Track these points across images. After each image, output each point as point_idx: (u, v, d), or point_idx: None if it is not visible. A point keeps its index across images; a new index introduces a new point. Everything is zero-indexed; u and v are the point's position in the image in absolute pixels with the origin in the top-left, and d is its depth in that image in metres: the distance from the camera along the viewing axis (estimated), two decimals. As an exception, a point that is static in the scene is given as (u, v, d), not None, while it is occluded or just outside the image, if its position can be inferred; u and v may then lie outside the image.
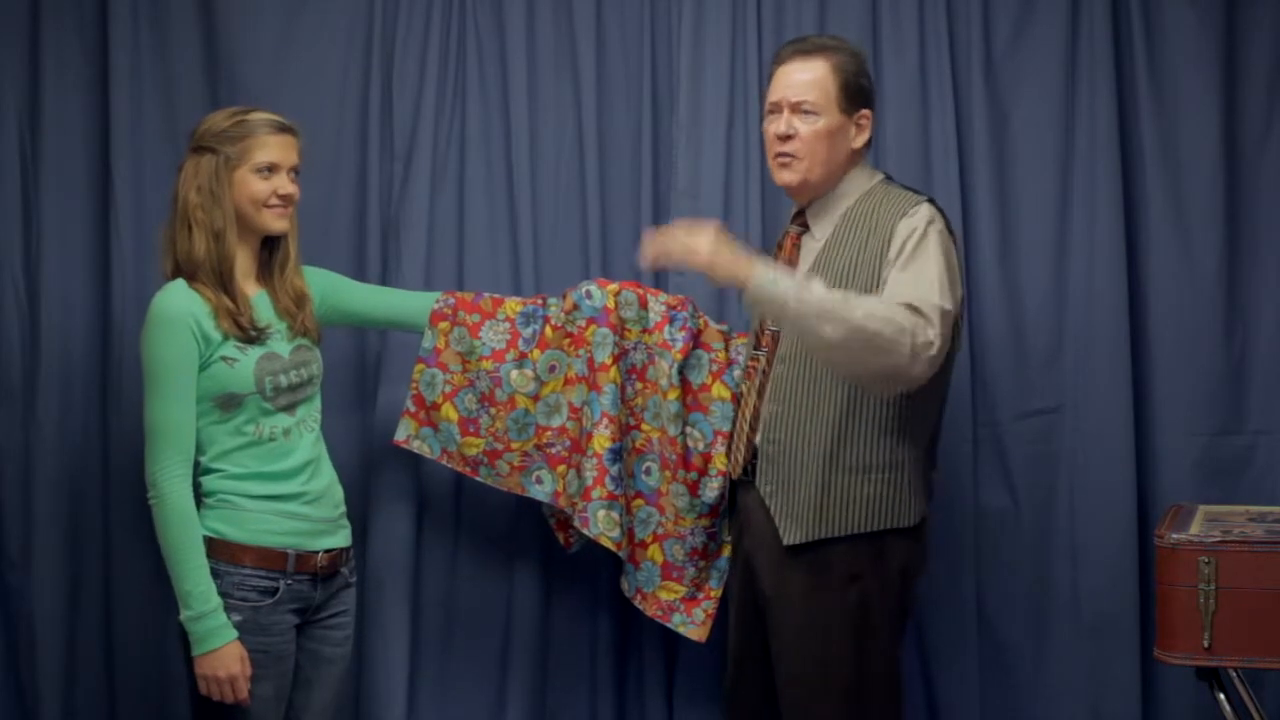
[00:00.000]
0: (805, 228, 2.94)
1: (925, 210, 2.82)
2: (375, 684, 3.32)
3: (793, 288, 2.64)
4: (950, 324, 2.74)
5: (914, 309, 2.67)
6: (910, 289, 2.71)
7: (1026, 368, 3.41)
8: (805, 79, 2.87)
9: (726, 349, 3.20)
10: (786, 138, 2.88)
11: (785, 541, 2.80)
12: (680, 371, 3.14)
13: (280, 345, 2.85)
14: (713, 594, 3.17)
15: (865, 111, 2.90)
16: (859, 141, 2.90)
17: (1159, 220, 3.38)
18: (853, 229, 2.85)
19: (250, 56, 3.38)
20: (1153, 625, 3.01)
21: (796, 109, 2.87)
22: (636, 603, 3.18)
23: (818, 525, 2.79)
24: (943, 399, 2.91)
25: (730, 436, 3.05)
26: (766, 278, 2.65)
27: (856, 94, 2.89)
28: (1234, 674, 2.89)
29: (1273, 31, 3.37)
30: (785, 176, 2.91)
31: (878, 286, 2.76)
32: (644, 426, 3.17)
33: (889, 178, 2.96)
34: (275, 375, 2.81)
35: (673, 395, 3.13)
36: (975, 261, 3.40)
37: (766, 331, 2.93)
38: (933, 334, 2.66)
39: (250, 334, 2.79)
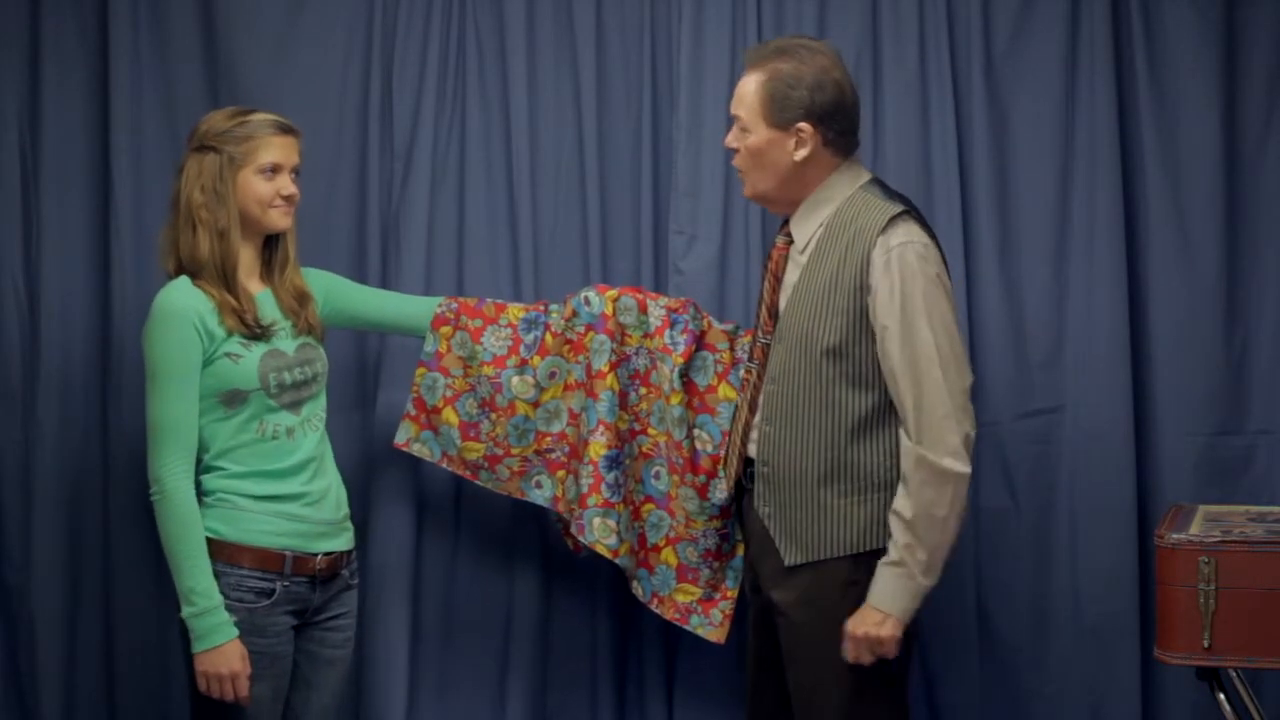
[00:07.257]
0: (791, 238, 2.86)
1: (900, 232, 2.72)
2: (375, 684, 3.32)
3: (909, 581, 2.68)
4: (967, 368, 2.75)
5: (940, 443, 2.66)
6: (924, 388, 2.66)
7: (1026, 368, 3.40)
8: (739, 92, 2.82)
9: (732, 348, 3.17)
10: (735, 151, 2.85)
11: (786, 563, 2.79)
12: (683, 375, 3.13)
13: (285, 343, 2.85)
14: (729, 594, 3.15)
15: (802, 125, 2.75)
16: (799, 155, 2.77)
17: (1159, 220, 3.38)
18: (832, 240, 2.77)
19: (250, 56, 3.37)
20: (1153, 625, 3.00)
21: (735, 122, 2.83)
22: (654, 607, 3.17)
23: (818, 547, 2.77)
24: None
25: (724, 447, 3.04)
26: (898, 608, 2.69)
27: (787, 106, 2.74)
28: (1234, 674, 2.89)
29: (1273, 31, 3.37)
30: (744, 190, 2.90)
31: (857, 315, 2.71)
32: (650, 431, 3.16)
33: (874, 180, 2.85)
34: (280, 372, 2.82)
35: (675, 399, 3.12)
36: (975, 261, 3.40)
37: (759, 344, 2.89)
38: (958, 451, 2.67)
39: (255, 330, 2.80)
